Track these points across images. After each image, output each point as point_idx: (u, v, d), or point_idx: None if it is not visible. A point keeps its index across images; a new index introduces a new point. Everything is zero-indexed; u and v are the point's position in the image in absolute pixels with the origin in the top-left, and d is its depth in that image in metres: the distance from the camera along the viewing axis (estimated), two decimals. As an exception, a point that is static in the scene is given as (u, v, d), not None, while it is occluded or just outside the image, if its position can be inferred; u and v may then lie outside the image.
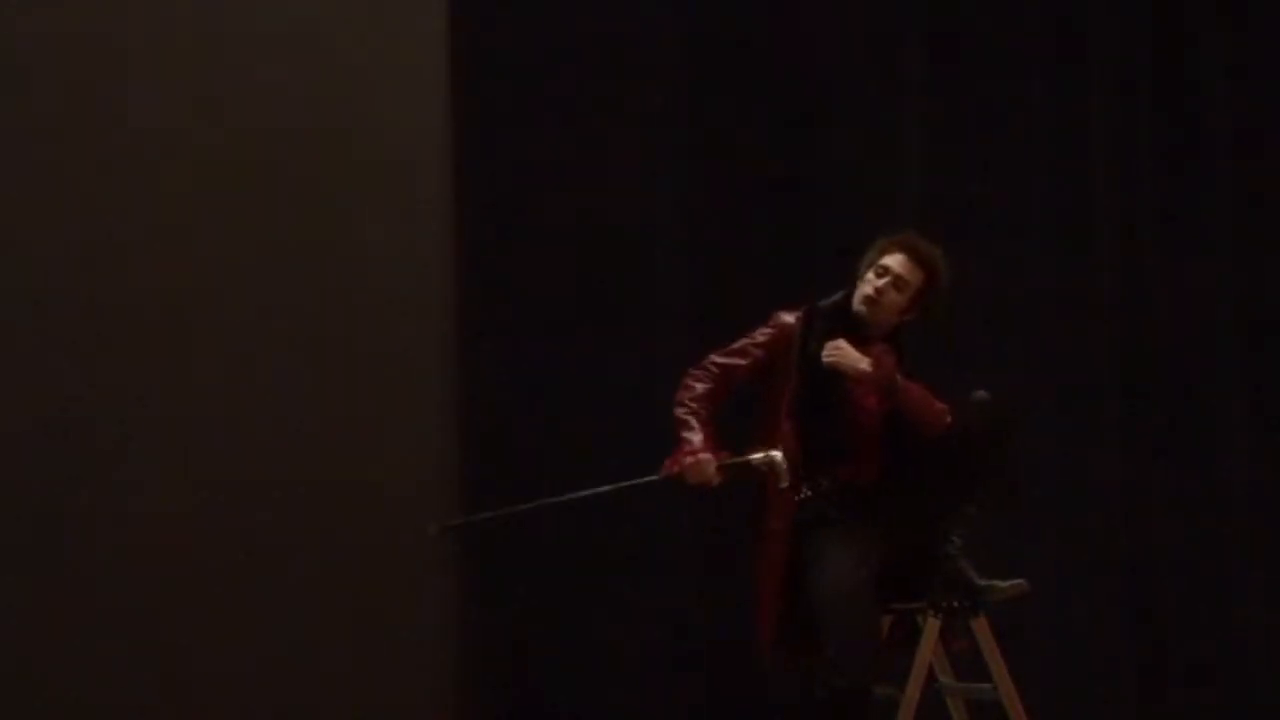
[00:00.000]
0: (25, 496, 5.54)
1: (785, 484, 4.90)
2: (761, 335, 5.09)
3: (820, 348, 5.00)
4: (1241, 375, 6.95)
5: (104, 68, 5.76)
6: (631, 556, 6.20)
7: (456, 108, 6.22)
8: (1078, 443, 6.77)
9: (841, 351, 4.98)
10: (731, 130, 6.52)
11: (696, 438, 4.92)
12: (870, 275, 5.07)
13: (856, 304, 5.07)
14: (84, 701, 5.56)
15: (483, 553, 6.10)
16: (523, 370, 6.22)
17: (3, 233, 5.61)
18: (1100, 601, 6.75)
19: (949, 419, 5.01)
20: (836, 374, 4.99)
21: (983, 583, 4.96)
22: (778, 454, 4.91)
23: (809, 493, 4.98)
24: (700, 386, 5.01)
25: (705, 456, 4.89)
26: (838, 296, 5.11)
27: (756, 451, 4.94)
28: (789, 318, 5.09)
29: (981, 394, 4.95)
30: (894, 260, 5.06)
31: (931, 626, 4.95)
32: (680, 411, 4.98)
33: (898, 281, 5.05)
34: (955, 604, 4.94)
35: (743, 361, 5.06)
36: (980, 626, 4.97)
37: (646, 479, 4.99)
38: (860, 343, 5.03)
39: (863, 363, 4.98)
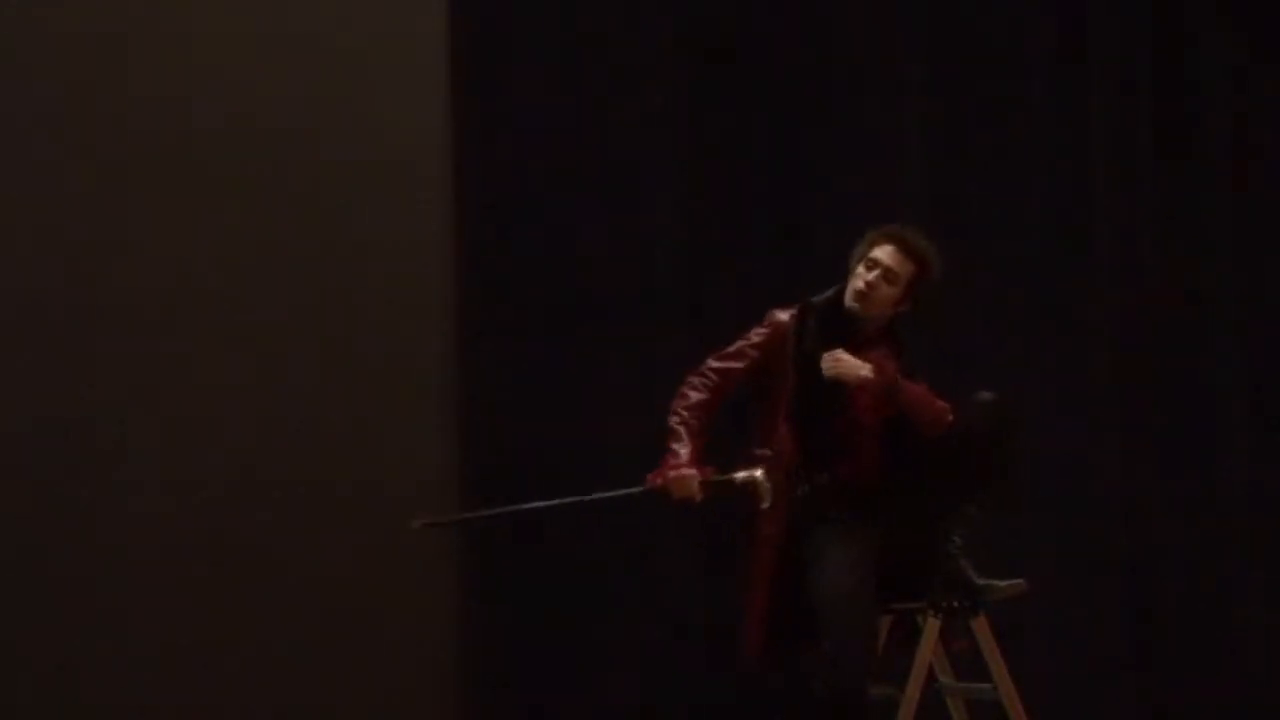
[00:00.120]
0: (25, 496, 5.54)
1: (767, 504, 4.89)
2: (757, 335, 5.08)
3: (816, 345, 4.98)
4: (1241, 375, 6.95)
5: (104, 67, 5.76)
6: (632, 556, 6.20)
7: (456, 108, 6.21)
8: (1078, 443, 6.77)
9: (841, 363, 4.95)
10: (731, 130, 6.52)
11: (684, 451, 4.90)
12: (860, 269, 5.05)
13: (848, 299, 5.03)
14: (84, 701, 5.56)
15: (483, 552, 6.10)
16: (523, 370, 6.21)
17: (3, 233, 5.62)
18: (1100, 601, 6.74)
19: (950, 418, 5.00)
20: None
21: (982, 582, 4.97)
22: (759, 473, 4.90)
23: (806, 488, 4.97)
24: (695, 396, 4.99)
25: (689, 472, 4.87)
26: (830, 293, 5.09)
27: (740, 470, 4.92)
28: (783, 315, 5.08)
29: (986, 394, 4.95)
30: (883, 252, 5.04)
31: (931, 626, 4.96)
32: (673, 420, 4.96)
33: (888, 274, 5.02)
34: (955, 604, 4.95)
35: (739, 364, 5.04)
36: (980, 626, 4.97)
37: (629, 490, 4.97)
38: (855, 339, 5.01)
39: (863, 369, 4.94)
